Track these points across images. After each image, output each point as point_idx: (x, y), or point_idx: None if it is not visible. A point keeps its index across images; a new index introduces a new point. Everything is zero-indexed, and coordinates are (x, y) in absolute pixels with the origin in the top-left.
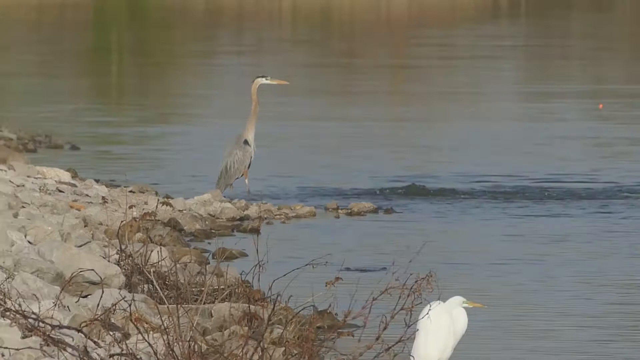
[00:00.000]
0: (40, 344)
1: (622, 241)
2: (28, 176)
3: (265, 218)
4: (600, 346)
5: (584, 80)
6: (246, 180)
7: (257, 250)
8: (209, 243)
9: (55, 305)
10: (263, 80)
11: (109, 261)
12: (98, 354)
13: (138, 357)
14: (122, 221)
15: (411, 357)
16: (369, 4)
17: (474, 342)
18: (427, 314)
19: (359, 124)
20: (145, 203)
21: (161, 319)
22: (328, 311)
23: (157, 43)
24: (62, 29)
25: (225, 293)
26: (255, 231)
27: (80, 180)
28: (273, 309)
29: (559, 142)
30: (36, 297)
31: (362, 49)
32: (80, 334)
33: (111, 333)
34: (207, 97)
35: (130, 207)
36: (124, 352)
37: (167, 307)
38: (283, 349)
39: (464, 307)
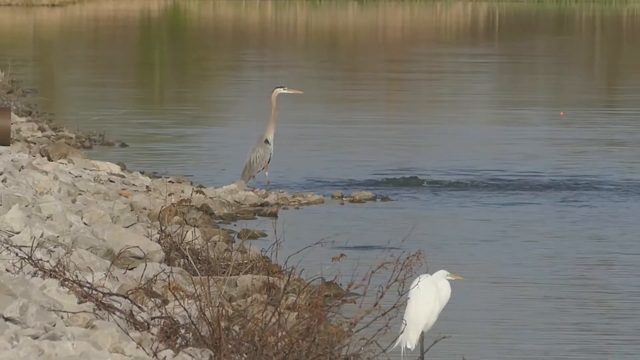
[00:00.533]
0: (93, 309)
1: (580, 226)
2: (84, 168)
3: (282, 204)
4: (562, 312)
5: (548, 91)
6: (266, 173)
7: (275, 231)
8: (235, 225)
9: (106, 276)
10: (281, 90)
11: (151, 240)
12: (142, 317)
13: (175, 319)
14: (162, 206)
15: (403, 320)
16: (369, 25)
17: (455, 309)
18: (417, 284)
19: (360, 126)
20: (182, 191)
21: (194, 288)
22: (334, 282)
23: (192, 58)
24: (113, 46)
25: (248, 267)
26: (274, 215)
27: (128, 172)
28: (288, 280)
29: (527, 143)
30: (90, 270)
31: (363, 64)
32: (126, 300)
33: (152, 299)
34: (234, 103)
35: (170, 194)
36: (164, 315)
37: (200, 278)
38: (296, 313)
39: (448, 279)
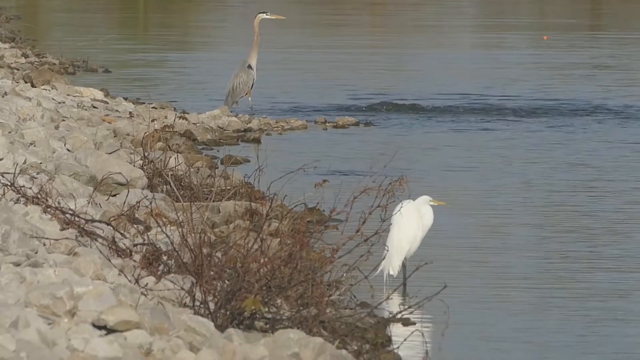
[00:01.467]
0: (76, 235)
1: (560, 152)
2: (68, 95)
3: (265, 130)
4: (542, 239)
5: (532, 15)
6: (249, 99)
7: (257, 157)
8: (218, 151)
9: (89, 202)
10: (264, 16)
11: (134, 166)
12: (124, 244)
13: (157, 246)
14: (145, 132)
15: (386, 247)
16: None
17: (437, 235)
18: (399, 210)
19: (344, 51)
20: (165, 117)
21: (177, 215)
22: (316, 208)
23: None
24: None
25: (231, 193)
26: (257, 141)
27: (111, 99)
28: (270, 206)
29: (510, 67)
30: (73, 196)
31: None
32: (109, 226)
33: (135, 226)
34: (217, 29)
35: (153, 120)
36: (146, 242)
37: (182, 204)
38: (279, 239)
39: (430, 205)
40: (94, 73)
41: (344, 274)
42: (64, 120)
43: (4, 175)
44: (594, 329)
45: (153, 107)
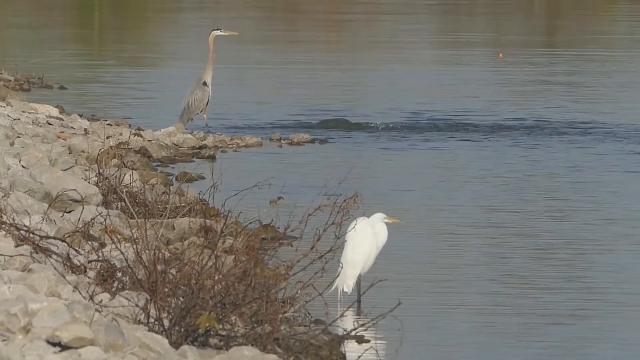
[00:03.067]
0: (31, 252)
1: (517, 168)
2: (23, 111)
3: (220, 147)
4: (499, 257)
5: (487, 32)
6: (204, 116)
7: (212, 174)
8: (173, 167)
9: (43, 219)
10: (218, 32)
11: (89, 182)
12: (78, 260)
13: (112, 263)
14: (100, 149)
15: (340, 264)
16: None
17: (392, 252)
18: (354, 227)
19: (299, 67)
20: (120, 134)
21: (131, 231)
22: (271, 225)
23: (132, 0)
24: None
25: (186, 209)
26: (212, 158)
27: (67, 115)
28: (225, 223)
29: (466, 84)
30: (27, 213)
31: (302, 4)
32: (64, 243)
33: (90, 243)
34: (172, 45)
35: (108, 137)
36: (100, 258)
37: (137, 221)
38: (233, 256)
39: (385, 222)
40: (50, 89)
41: (298, 291)
42: (19, 137)
43: None
44: (551, 351)
45: (108, 124)
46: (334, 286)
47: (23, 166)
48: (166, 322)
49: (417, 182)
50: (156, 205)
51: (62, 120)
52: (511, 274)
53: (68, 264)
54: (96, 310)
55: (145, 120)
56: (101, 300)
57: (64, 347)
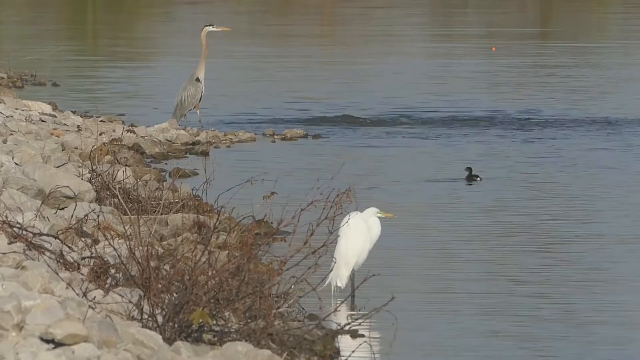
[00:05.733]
0: (24, 249)
1: (510, 162)
2: (16, 109)
3: (213, 143)
4: (492, 249)
5: (481, 25)
6: (197, 112)
7: (205, 170)
8: (166, 164)
9: (37, 216)
10: (210, 28)
11: (82, 179)
12: (72, 257)
13: (105, 259)
14: (93, 146)
15: (334, 258)
16: None
17: (385, 247)
18: (347, 222)
19: (292, 62)
20: (113, 130)
21: (125, 228)
22: (264, 220)
23: None
24: None
25: (179, 205)
26: (205, 154)
27: (60, 112)
28: (218, 218)
29: (459, 77)
30: (20, 210)
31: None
32: (57, 240)
33: (83, 239)
34: (165, 41)
35: (101, 134)
36: (94, 255)
37: (130, 217)
38: (226, 252)
39: (378, 217)
40: (42, 86)
41: (292, 286)
42: (12, 134)
43: None
44: (543, 341)
45: (101, 121)
46: (327, 281)
47: (16, 163)
48: (160, 318)
49: (411, 176)
50: (149, 202)
51: (55, 117)
52: (506, 268)
53: (61, 260)
54: (90, 306)
55: (138, 117)
56: (95, 296)
57: (57, 344)
